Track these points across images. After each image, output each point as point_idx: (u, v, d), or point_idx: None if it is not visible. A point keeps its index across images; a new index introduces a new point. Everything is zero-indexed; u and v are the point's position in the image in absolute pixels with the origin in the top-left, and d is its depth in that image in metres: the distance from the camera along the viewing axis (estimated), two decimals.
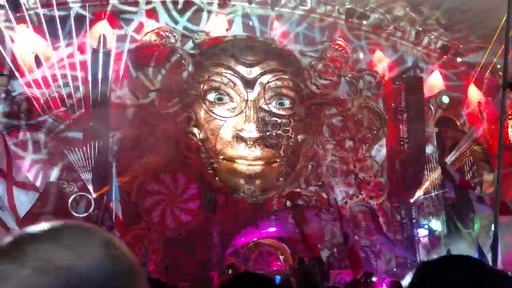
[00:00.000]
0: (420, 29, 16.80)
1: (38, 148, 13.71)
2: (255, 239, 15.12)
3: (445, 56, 17.27)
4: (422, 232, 16.40)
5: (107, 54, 13.70)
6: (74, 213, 13.17)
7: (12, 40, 13.49)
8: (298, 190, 15.70)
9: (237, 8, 15.79)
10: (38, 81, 13.63)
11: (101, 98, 13.46)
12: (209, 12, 15.59)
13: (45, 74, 13.64)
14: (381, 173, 16.63)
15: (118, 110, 14.10)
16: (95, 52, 13.74)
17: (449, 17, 16.24)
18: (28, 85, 13.61)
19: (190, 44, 15.25)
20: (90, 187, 13.23)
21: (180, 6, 15.31)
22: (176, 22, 15.30)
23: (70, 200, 13.24)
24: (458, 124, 17.46)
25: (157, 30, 14.90)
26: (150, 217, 14.22)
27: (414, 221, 16.37)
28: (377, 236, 15.63)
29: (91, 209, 13.13)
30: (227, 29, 15.58)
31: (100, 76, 13.45)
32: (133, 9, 14.99)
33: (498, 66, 15.10)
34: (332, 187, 16.00)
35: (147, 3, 15.07)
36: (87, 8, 14.19)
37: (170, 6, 15.29)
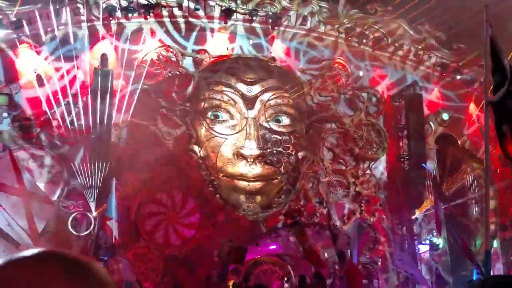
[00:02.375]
0: (420, 47, 16.92)
1: (39, 166, 13.71)
2: (256, 257, 15.02)
3: (444, 74, 17.39)
4: (423, 248, 16.31)
5: (108, 73, 13.79)
6: (74, 232, 13.13)
7: (14, 60, 13.62)
8: (298, 207, 15.67)
9: (237, 27, 15.94)
10: (39, 99, 13.75)
11: (102, 117, 13.52)
12: (210, 30, 15.73)
13: (46, 92, 13.75)
14: (381, 190, 16.62)
15: (119, 128, 14.15)
16: (96, 71, 13.83)
17: (448, 34, 16.37)
18: (30, 103, 13.73)
19: (191, 63, 15.35)
20: (91, 206, 13.21)
21: (183, 30, 15.41)
22: (184, 47, 15.39)
23: (70, 219, 13.20)
24: (459, 141, 17.48)
25: (158, 50, 15.03)
26: (150, 235, 14.17)
27: (415, 237, 16.31)
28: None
29: (91, 227, 13.10)
30: (227, 48, 15.72)
31: (101, 94, 13.51)
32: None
33: None
34: (332, 204, 15.98)
35: (152, 33, 15.15)
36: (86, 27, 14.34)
37: (174, 32, 15.39)
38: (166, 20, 15.30)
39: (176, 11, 15.23)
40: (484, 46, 5.66)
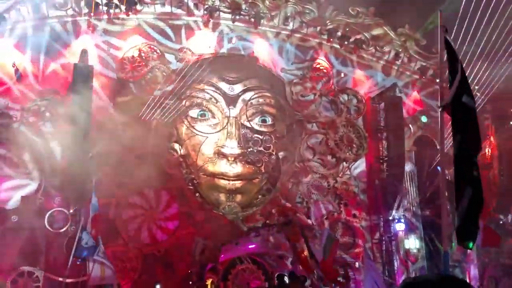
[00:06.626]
0: (400, 50, 17.11)
1: (15, 162, 13.46)
2: (235, 256, 15.00)
3: (423, 77, 17.60)
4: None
5: (88, 69, 13.61)
6: (51, 229, 12.91)
7: None
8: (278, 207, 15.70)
9: (221, 26, 15.90)
10: (18, 94, 13.53)
11: (82, 112, 13.31)
12: (194, 28, 15.64)
13: (25, 87, 13.54)
14: (360, 190, 16.76)
15: (99, 124, 13.94)
16: (76, 66, 13.63)
17: (427, 37, 16.58)
18: (8, 98, 13.51)
19: (173, 60, 15.22)
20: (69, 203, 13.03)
21: (166, 28, 15.28)
22: (166, 45, 15.20)
23: (47, 216, 12.97)
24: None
25: (139, 46, 14.89)
26: (129, 233, 14.02)
27: (392, 238, 16.46)
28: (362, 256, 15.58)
29: (68, 224, 12.92)
30: (210, 46, 15.65)
31: (80, 90, 13.32)
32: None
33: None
34: (312, 204, 16.05)
35: (134, 29, 14.94)
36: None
37: (156, 30, 15.25)
38: (149, 17, 15.16)
39: (159, 8, 15.13)
40: (440, 52, 5.72)
